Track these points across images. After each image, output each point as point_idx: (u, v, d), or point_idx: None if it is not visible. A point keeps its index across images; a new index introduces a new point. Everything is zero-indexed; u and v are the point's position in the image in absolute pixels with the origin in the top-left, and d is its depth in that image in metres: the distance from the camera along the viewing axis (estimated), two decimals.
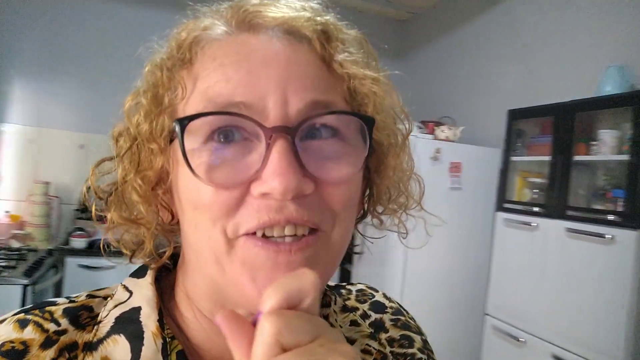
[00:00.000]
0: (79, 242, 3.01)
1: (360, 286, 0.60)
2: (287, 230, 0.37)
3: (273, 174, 0.35)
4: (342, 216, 0.39)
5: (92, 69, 3.48)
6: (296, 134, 0.37)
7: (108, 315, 0.43)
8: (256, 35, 0.40)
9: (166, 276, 0.49)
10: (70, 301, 0.44)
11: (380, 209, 0.49)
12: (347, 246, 0.42)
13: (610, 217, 2.10)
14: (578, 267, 2.21)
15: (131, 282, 0.46)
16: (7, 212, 3.28)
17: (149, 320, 0.42)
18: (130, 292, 0.45)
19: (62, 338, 0.40)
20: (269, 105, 0.37)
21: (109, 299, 0.45)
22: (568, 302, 2.25)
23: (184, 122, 0.37)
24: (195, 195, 0.38)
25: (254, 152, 0.37)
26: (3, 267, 2.40)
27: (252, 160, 0.37)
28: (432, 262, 2.88)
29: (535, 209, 2.50)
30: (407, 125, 0.48)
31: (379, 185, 0.47)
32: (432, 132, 3.03)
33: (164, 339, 0.41)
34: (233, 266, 0.38)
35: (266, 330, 0.28)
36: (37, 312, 0.42)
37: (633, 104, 2.13)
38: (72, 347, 0.40)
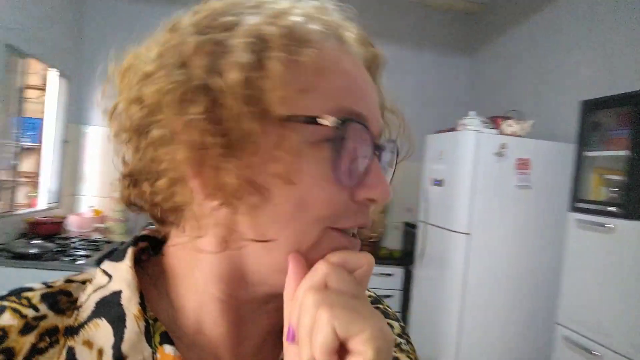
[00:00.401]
0: None
1: None
2: (355, 230, 0.42)
3: (381, 184, 0.41)
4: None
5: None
6: (384, 151, 0.44)
7: (88, 300, 0.43)
8: (353, 54, 0.44)
9: (146, 259, 0.48)
10: (48, 286, 0.44)
11: None
12: None
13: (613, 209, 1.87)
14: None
15: (110, 266, 0.46)
16: (91, 207, 3.58)
17: (130, 303, 0.42)
18: (110, 276, 0.44)
19: (42, 323, 0.40)
20: (376, 120, 0.42)
21: (87, 283, 0.45)
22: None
23: (348, 120, 0.39)
24: (316, 193, 0.38)
25: (360, 159, 0.40)
26: (80, 255, 2.61)
27: (359, 165, 0.40)
28: (496, 265, 2.72)
29: (612, 209, 2.25)
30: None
31: None
32: (498, 127, 2.85)
33: (146, 321, 0.41)
34: (317, 255, 0.40)
35: (319, 268, 0.37)
36: (13, 298, 0.41)
37: None
38: (53, 331, 0.40)
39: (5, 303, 0.40)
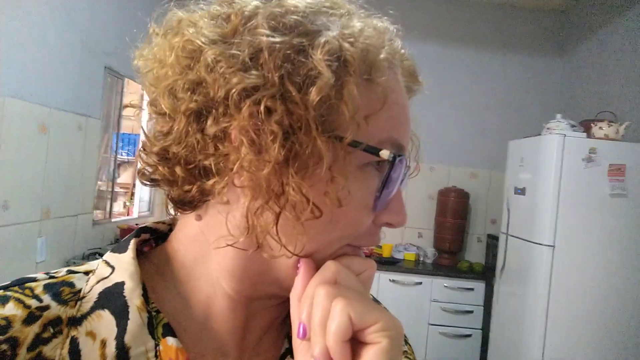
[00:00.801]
0: None
1: None
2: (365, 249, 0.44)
3: (401, 210, 0.43)
4: None
5: None
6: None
7: (91, 291, 0.43)
8: (401, 82, 0.44)
9: (149, 251, 0.49)
10: (50, 277, 0.44)
11: None
12: None
13: None
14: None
15: (112, 258, 0.46)
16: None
17: (133, 295, 0.42)
18: (112, 268, 0.45)
19: (45, 314, 0.40)
20: (407, 152, 0.44)
21: (90, 274, 0.45)
22: None
23: (400, 154, 0.41)
24: (350, 213, 0.40)
25: (380, 183, 0.42)
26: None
27: (391, 194, 0.42)
28: (586, 282, 2.47)
29: None
30: None
31: None
32: (588, 131, 2.61)
33: (149, 312, 0.42)
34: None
35: (329, 267, 0.40)
36: (16, 288, 0.41)
37: None
38: (56, 322, 0.40)
39: (9, 293, 0.41)
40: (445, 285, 3.48)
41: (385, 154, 0.39)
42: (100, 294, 0.42)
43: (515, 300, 2.77)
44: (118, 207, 3.49)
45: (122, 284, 0.43)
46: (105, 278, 0.43)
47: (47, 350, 0.39)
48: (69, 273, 0.44)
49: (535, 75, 3.99)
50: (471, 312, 3.48)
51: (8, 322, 0.38)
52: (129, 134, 3.57)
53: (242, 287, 0.43)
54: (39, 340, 0.39)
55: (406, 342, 0.56)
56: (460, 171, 3.98)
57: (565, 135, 2.51)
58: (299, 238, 0.39)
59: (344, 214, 0.40)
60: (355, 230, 0.41)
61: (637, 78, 2.95)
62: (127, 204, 3.59)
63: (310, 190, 0.37)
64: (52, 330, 0.40)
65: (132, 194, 3.64)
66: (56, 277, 0.43)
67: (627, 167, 2.44)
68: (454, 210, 3.74)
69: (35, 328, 0.39)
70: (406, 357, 0.54)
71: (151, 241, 0.50)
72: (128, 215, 3.54)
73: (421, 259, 3.80)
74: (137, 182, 3.65)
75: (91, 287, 0.43)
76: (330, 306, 0.36)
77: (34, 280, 0.42)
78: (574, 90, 3.75)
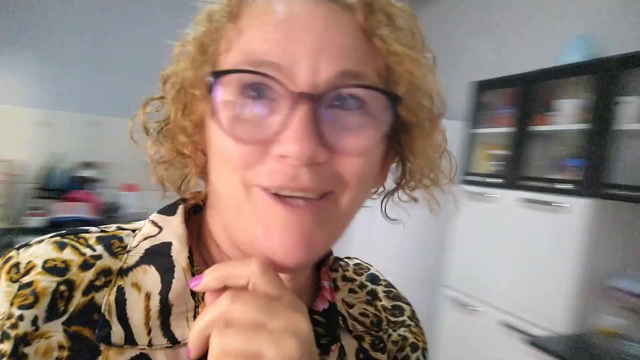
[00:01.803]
0: (36, 221, 2.91)
1: (356, 260, 0.62)
2: (299, 194, 0.38)
3: (291, 138, 0.36)
4: (352, 186, 0.40)
5: (53, 44, 3.30)
6: (320, 102, 0.37)
7: (138, 246, 0.44)
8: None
9: (194, 217, 0.49)
10: (102, 231, 0.46)
11: (412, 185, 0.50)
12: (355, 213, 0.43)
13: (566, 187, 2.10)
14: (533, 236, 2.22)
15: (160, 219, 0.47)
16: None
17: (179, 256, 0.44)
18: (160, 228, 0.46)
19: (99, 263, 0.42)
20: (299, 70, 0.37)
21: (137, 231, 0.46)
22: (521, 271, 2.27)
23: (217, 75, 0.39)
24: (220, 145, 0.40)
25: (279, 114, 0.38)
26: None
27: (275, 121, 0.38)
28: (388, 235, 2.84)
29: (495, 180, 2.50)
30: (440, 108, 0.46)
31: (412, 162, 0.48)
32: None
33: (193, 275, 0.43)
34: (249, 215, 0.40)
35: (218, 304, 0.36)
36: (72, 237, 0.43)
37: (593, 72, 2.10)
38: (108, 272, 0.42)
39: (65, 240, 0.43)
40: None
41: (207, 80, 0.39)
42: (147, 250, 0.44)
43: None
44: None
45: (170, 244, 0.45)
46: (153, 236, 0.45)
47: (98, 297, 0.41)
48: (119, 229, 0.47)
49: None
50: None
51: (66, 265, 0.41)
52: None
53: (230, 247, 0.45)
54: (92, 287, 0.41)
55: (417, 325, 0.59)
56: None
57: None
58: (215, 179, 0.42)
59: (217, 147, 0.40)
60: (239, 162, 0.39)
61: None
62: None
63: (203, 133, 0.43)
64: (103, 279, 0.41)
65: None
66: (107, 232, 0.46)
67: None
68: None
69: (89, 275, 0.41)
70: (415, 338, 0.57)
71: (190, 210, 0.50)
72: None
73: None
74: None
75: (138, 242, 0.45)
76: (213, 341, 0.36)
77: (87, 232, 0.45)
78: None
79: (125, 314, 0.40)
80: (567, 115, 2.23)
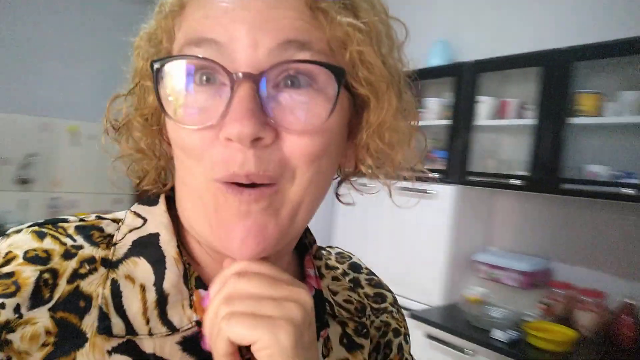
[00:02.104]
0: None
1: (337, 250, 0.63)
2: (248, 182, 0.37)
3: (231, 119, 0.35)
4: (302, 170, 0.38)
5: None
6: (260, 80, 0.36)
7: (124, 239, 0.43)
8: None
9: (170, 207, 0.48)
10: (80, 220, 0.44)
11: (369, 164, 0.46)
12: (313, 200, 0.41)
13: (434, 175, 2.36)
14: (408, 221, 2.47)
15: (143, 209, 0.46)
16: None
17: (168, 246, 0.43)
18: (144, 219, 0.45)
19: (80, 252, 0.41)
20: (239, 47, 0.36)
21: (120, 223, 0.45)
22: (399, 252, 2.51)
23: (155, 64, 0.37)
24: (174, 135, 0.39)
25: (224, 97, 0.36)
26: None
27: (221, 104, 0.36)
28: None
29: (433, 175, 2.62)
30: (400, 81, 0.43)
31: (359, 143, 0.45)
32: None
33: (184, 264, 0.43)
34: (207, 207, 0.39)
35: (225, 286, 0.38)
36: (50, 226, 0.42)
37: (454, 75, 2.39)
38: (91, 260, 0.41)
39: (44, 230, 0.42)
40: None
41: (150, 70, 0.38)
42: (134, 242, 0.43)
43: None
44: None
45: (157, 235, 0.44)
46: (138, 228, 0.44)
47: (84, 285, 0.40)
48: (98, 219, 0.45)
49: None
50: None
51: (48, 254, 0.40)
52: None
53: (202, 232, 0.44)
54: (76, 275, 0.40)
55: (398, 311, 0.60)
56: None
57: None
58: (179, 168, 0.42)
59: (173, 137, 0.40)
60: (192, 150, 0.38)
61: None
62: None
63: (163, 126, 0.43)
64: (87, 267, 0.41)
65: None
66: (86, 221, 0.44)
67: None
68: None
69: (72, 263, 0.40)
70: (397, 324, 0.58)
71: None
72: None
73: None
74: None
75: (124, 235, 0.44)
76: (218, 327, 0.37)
77: (66, 221, 0.44)
78: None
79: (123, 307, 0.40)
80: (433, 112, 2.52)
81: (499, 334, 1.92)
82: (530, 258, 2.28)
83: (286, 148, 0.37)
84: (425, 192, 2.36)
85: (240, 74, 0.35)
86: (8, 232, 0.42)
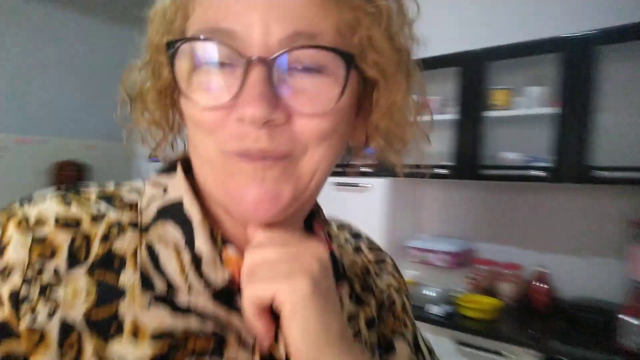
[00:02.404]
0: None
1: (335, 219, 0.64)
2: (260, 154, 0.39)
3: (244, 102, 0.37)
4: (314, 145, 0.40)
5: None
6: (274, 64, 0.37)
7: (148, 208, 0.45)
8: None
9: (187, 174, 0.49)
10: (100, 190, 0.46)
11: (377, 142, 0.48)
12: (325, 169, 0.43)
13: (366, 170, 2.51)
14: (345, 213, 2.58)
15: (163, 178, 0.48)
16: None
17: (193, 210, 0.44)
18: (165, 187, 0.47)
19: (106, 218, 0.43)
20: (252, 34, 0.37)
21: (139, 192, 0.47)
22: None
23: (174, 44, 0.39)
24: (188, 111, 0.41)
25: (236, 78, 0.38)
26: None
27: (234, 85, 0.38)
28: None
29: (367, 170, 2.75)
30: (410, 62, 0.45)
31: (369, 123, 0.46)
32: None
33: (209, 225, 0.44)
34: (222, 174, 0.41)
35: (248, 255, 0.41)
36: (73, 194, 0.44)
37: None
38: (119, 224, 0.43)
39: (69, 196, 0.43)
40: None
41: (167, 48, 0.40)
42: (159, 209, 0.45)
43: None
44: None
45: (180, 200, 0.45)
46: (160, 197, 0.46)
47: (116, 246, 0.42)
48: (117, 188, 0.47)
49: None
50: None
51: (78, 221, 0.41)
52: None
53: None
54: (107, 237, 0.42)
55: (400, 276, 0.63)
56: (75, 143, 3.74)
57: None
58: (190, 141, 0.44)
59: (187, 113, 0.42)
60: (206, 126, 0.40)
61: None
62: None
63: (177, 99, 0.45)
64: (116, 230, 0.43)
65: None
66: (106, 191, 0.46)
67: None
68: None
69: (102, 227, 0.42)
70: (397, 282, 0.61)
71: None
72: None
73: None
74: None
75: (148, 203, 0.45)
76: (244, 292, 0.40)
77: (87, 189, 0.46)
78: None
79: (161, 268, 0.42)
80: None
81: (435, 309, 2.10)
82: (456, 240, 2.51)
83: (297, 128, 0.39)
84: (358, 186, 2.50)
85: (254, 58, 0.37)
86: (30, 197, 0.43)
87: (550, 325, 2.00)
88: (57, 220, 0.41)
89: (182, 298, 0.42)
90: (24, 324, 0.37)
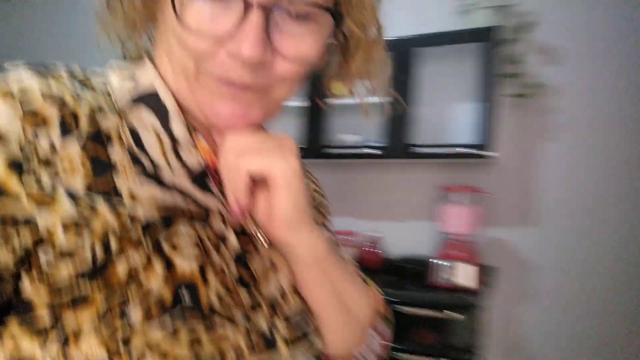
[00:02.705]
0: None
1: None
2: (240, 86, 0.42)
3: (244, 40, 0.39)
4: (287, 83, 0.45)
5: None
6: (271, 10, 0.40)
7: (122, 93, 0.45)
8: None
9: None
10: (68, 69, 0.45)
11: (345, 73, 0.54)
12: (287, 101, 0.48)
13: None
14: None
15: (130, 70, 0.48)
16: None
17: (166, 98, 0.45)
18: (134, 79, 0.46)
19: (85, 99, 0.42)
20: None
21: (106, 78, 0.47)
22: None
23: None
24: (177, 29, 0.41)
25: (233, 15, 0.39)
26: None
27: (231, 20, 0.39)
28: None
29: None
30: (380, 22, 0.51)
31: (349, 69, 0.53)
32: None
33: (182, 114, 0.46)
34: (198, 89, 0.43)
35: (227, 140, 0.45)
36: (46, 70, 0.42)
37: None
38: (99, 107, 0.43)
39: (42, 72, 0.42)
40: None
41: None
42: (134, 97, 0.45)
43: None
44: None
45: (154, 90, 0.46)
46: (132, 84, 0.46)
47: (102, 125, 0.42)
48: (84, 72, 0.47)
49: None
50: None
51: (63, 101, 0.41)
52: None
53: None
54: (92, 116, 0.42)
55: (323, 196, 0.69)
56: None
57: None
58: (165, 47, 0.45)
59: (175, 32, 0.42)
60: (194, 50, 0.41)
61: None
62: None
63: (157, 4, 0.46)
64: (99, 111, 0.43)
65: None
66: (74, 73, 0.45)
67: None
68: None
69: (84, 107, 0.42)
70: (315, 190, 0.68)
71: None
72: None
73: None
74: None
75: (120, 89, 0.46)
76: (237, 166, 0.43)
77: (56, 67, 0.44)
78: None
79: (145, 148, 0.43)
80: None
81: None
82: None
83: (278, 68, 0.43)
84: None
85: (255, 1, 0.39)
86: (2, 67, 0.42)
87: (381, 279, 2.36)
88: (42, 95, 0.40)
89: (167, 177, 0.44)
90: (29, 189, 0.37)
